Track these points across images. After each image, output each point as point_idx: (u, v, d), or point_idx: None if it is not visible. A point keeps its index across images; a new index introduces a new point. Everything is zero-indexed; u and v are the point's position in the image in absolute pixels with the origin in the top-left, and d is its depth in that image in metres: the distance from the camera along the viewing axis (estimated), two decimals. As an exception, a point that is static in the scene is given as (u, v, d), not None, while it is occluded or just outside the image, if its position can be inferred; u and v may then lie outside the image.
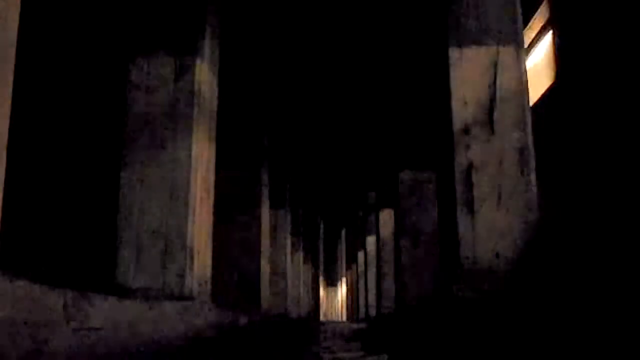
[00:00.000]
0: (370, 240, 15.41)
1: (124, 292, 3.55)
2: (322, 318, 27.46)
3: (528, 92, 4.12)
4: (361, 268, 20.39)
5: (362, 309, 20.57)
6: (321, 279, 34.22)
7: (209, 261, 4.22)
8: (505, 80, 4.05)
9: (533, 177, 3.95)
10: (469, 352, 3.42)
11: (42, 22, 3.18)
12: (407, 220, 7.39)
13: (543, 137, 4.40)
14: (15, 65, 1.71)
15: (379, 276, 11.72)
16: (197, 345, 3.59)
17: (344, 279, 35.82)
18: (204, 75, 4.12)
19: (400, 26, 7.11)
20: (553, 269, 3.58)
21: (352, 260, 26.27)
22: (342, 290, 38.23)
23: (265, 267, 7.10)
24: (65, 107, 3.46)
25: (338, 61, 8.24)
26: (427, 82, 7.30)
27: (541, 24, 5.13)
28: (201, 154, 4.02)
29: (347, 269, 31.32)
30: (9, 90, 1.68)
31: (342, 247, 26.56)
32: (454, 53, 4.11)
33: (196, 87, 3.95)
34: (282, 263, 11.01)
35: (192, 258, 3.76)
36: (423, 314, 5.23)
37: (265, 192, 7.25)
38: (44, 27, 3.19)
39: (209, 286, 4.19)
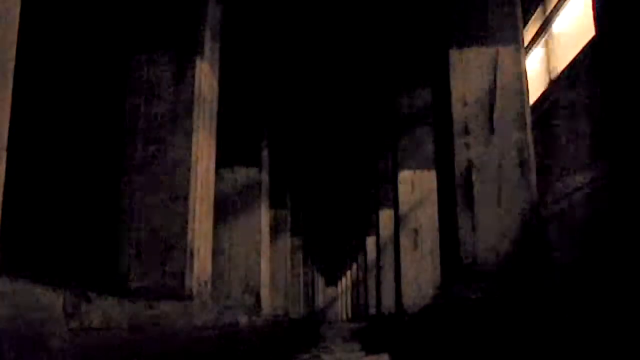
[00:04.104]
0: (370, 240, 15.42)
1: (124, 292, 3.55)
2: (321, 318, 27.45)
3: (528, 92, 4.12)
4: (361, 269, 20.38)
5: (362, 309, 20.57)
6: (321, 279, 34.21)
7: (209, 261, 4.22)
8: (505, 81, 4.05)
9: (533, 177, 3.95)
10: (469, 352, 3.42)
11: (42, 23, 3.18)
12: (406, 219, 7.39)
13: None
14: (16, 66, 1.71)
15: (379, 276, 11.71)
16: (197, 345, 3.59)
17: (344, 279, 35.80)
18: (205, 76, 4.12)
19: (401, 26, 7.11)
20: (553, 268, 3.58)
21: (352, 260, 26.27)
22: (341, 290, 38.21)
23: (265, 267, 7.10)
24: (65, 108, 3.46)
25: (338, 62, 8.24)
26: (425, 79, 7.30)
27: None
28: (201, 155, 4.02)
29: (347, 269, 31.32)
30: (9, 91, 1.67)
31: (342, 247, 26.57)
32: (454, 53, 4.11)
33: (196, 87, 3.95)
34: (282, 263, 11.01)
35: (192, 258, 3.76)
36: (423, 313, 5.23)
37: (264, 192, 7.25)
38: (44, 28, 3.20)
39: (209, 286, 4.19)
